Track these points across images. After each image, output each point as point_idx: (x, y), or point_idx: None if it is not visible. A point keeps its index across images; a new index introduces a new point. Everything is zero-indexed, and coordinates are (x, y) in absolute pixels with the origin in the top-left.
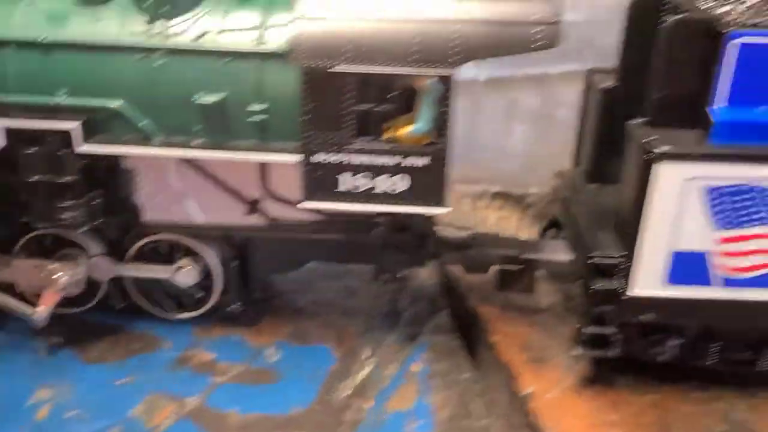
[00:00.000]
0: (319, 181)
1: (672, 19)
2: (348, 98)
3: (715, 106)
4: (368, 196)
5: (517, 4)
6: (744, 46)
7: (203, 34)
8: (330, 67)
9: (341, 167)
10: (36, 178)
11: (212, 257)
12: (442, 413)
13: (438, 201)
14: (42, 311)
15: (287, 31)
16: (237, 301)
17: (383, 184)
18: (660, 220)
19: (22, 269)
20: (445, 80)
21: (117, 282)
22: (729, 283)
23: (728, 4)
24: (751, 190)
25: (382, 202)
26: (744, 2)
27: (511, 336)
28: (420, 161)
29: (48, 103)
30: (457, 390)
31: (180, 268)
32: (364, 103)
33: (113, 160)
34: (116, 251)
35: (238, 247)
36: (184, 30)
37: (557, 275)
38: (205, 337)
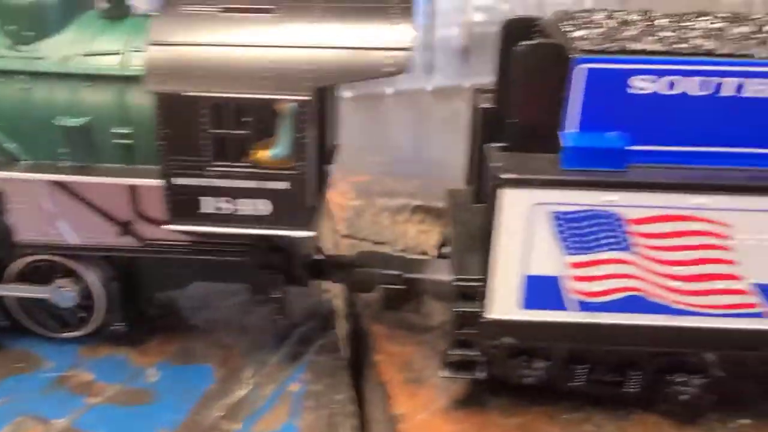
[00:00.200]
0: (182, 204)
1: (523, 44)
2: (203, 123)
3: (566, 131)
4: (232, 218)
5: (370, 29)
6: (591, 71)
7: (68, 58)
8: (183, 92)
9: (202, 190)
10: None
11: (92, 277)
12: None
13: (301, 224)
14: None
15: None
16: (120, 321)
17: (246, 207)
18: (510, 245)
19: None
20: (303, 104)
21: None
22: (584, 307)
23: (584, 28)
24: (598, 215)
25: (246, 225)
26: (600, 26)
27: (395, 355)
28: (280, 185)
29: None
30: (328, 411)
31: (59, 288)
32: (220, 128)
33: None
34: None
35: (119, 266)
36: (49, 53)
37: (440, 295)
38: (90, 356)
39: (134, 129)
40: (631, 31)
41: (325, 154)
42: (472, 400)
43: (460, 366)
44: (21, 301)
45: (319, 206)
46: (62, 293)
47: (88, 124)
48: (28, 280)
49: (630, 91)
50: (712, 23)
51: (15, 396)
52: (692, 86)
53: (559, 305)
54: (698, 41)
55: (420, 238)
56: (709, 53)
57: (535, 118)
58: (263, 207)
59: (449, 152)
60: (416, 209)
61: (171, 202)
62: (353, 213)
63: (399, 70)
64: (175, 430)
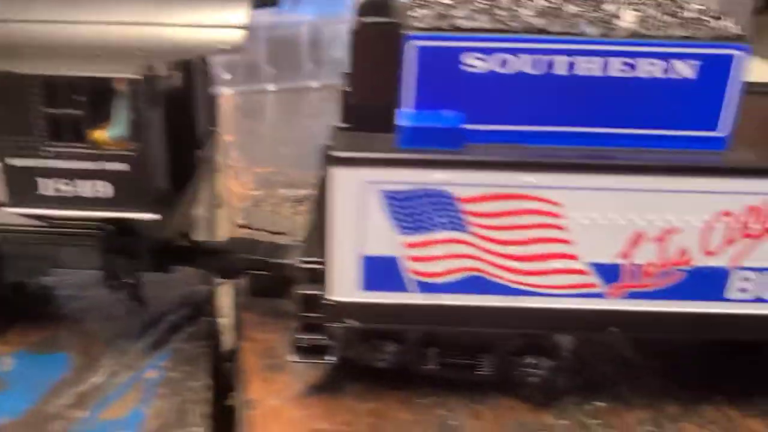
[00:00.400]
0: (19, 186)
1: (358, 21)
2: (34, 101)
3: (403, 110)
4: (72, 200)
5: (204, 8)
6: (422, 48)
7: None
8: (13, 70)
9: (38, 171)
10: None
11: None
12: (154, 422)
13: (144, 207)
14: None
15: None
16: None
17: (85, 188)
18: (345, 225)
19: None
20: (134, 83)
21: None
22: (424, 288)
23: (428, 8)
24: (430, 195)
25: (87, 207)
26: (443, 5)
27: (259, 342)
28: (119, 167)
29: None
30: (181, 398)
31: None
32: (53, 107)
33: None
34: None
35: None
36: None
37: (297, 280)
38: None
39: None
40: (468, 10)
41: (195, 139)
42: (328, 385)
43: (311, 350)
44: None
45: (179, 190)
46: None
47: None
48: None
49: (463, 69)
50: (549, 1)
51: None
52: (525, 65)
53: (400, 286)
54: (532, 19)
55: None
56: (539, 31)
57: (373, 98)
58: (103, 189)
59: None
60: None
61: (8, 183)
62: (252, 203)
63: (234, 48)
64: (17, 419)
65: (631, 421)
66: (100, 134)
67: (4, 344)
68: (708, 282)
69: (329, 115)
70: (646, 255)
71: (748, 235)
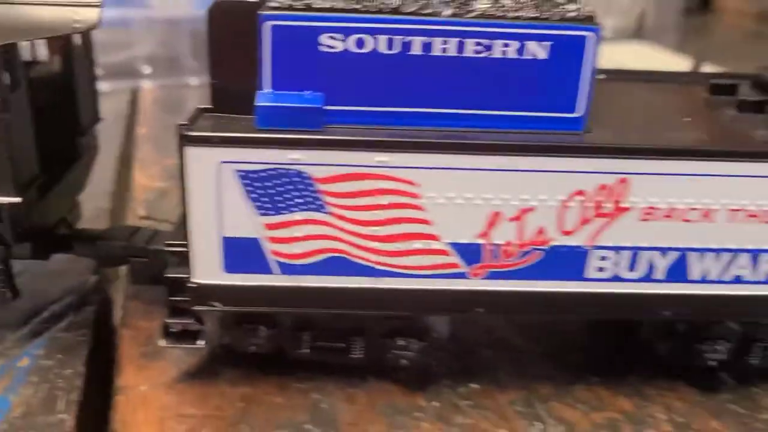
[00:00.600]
0: None
1: (213, 2)
2: None
3: (262, 91)
4: None
5: None
6: (276, 28)
7: None
8: None
9: None
10: None
11: None
12: (18, 410)
13: (4, 190)
14: None
15: None
16: None
17: None
18: (202, 205)
19: None
20: None
21: None
22: (286, 269)
23: None
24: (285, 174)
25: None
26: None
27: (141, 330)
28: None
29: None
30: (50, 385)
31: None
32: None
33: None
34: None
35: None
36: None
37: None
38: None
39: None
40: None
41: (77, 126)
42: (203, 371)
43: (182, 336)
44: None
45: (53, 176)
46: None
47: None
48: None
49: (321, 49)
50: None
51: None
52: (381, 45)
53: (263, 268)
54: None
55: None
56: (393, 11)
57: (232, 79)
58: None
59: None
60: None
61: None
62: (157, 195)
63: (89, 26)
64: None
65: (503, 402)
66: None
67: None
68: (567, 261)
69: None
70: (504, 235)
71: (601, 214)
